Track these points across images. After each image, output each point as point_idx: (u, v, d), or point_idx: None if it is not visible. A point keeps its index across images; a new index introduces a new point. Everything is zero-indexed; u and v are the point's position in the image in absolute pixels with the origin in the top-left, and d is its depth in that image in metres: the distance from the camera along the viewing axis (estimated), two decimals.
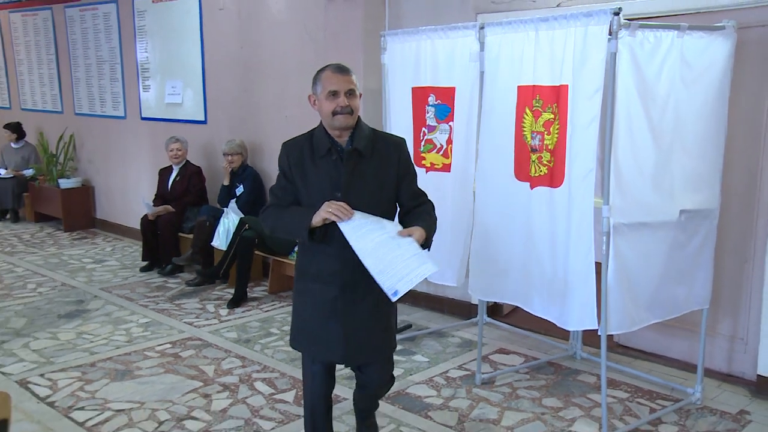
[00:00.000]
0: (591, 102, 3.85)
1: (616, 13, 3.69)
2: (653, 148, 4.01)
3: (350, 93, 3.13)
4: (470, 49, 4.51)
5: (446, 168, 4.96)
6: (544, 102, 4.09)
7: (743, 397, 4.65)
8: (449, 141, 4.87)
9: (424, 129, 4.96)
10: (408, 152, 3.38)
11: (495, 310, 6.09)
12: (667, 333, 5.12)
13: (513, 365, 5.11)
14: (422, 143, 5.05)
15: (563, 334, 5.34)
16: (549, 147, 4.09)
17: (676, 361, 5.13)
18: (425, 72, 4.88)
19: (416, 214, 3.28)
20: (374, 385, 3.55)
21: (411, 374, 4.90)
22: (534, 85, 4.13)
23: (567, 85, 3.94)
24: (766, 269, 4.61)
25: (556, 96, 4.01)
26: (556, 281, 4.17)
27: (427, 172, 5.02)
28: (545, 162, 4.13)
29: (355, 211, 3.07)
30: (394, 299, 3.00)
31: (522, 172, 4.29)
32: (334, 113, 3.11)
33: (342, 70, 3.16)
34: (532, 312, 4.40)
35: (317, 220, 3.06)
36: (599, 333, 4.01)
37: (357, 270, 3.08)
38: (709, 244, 4.42)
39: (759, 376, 4.68)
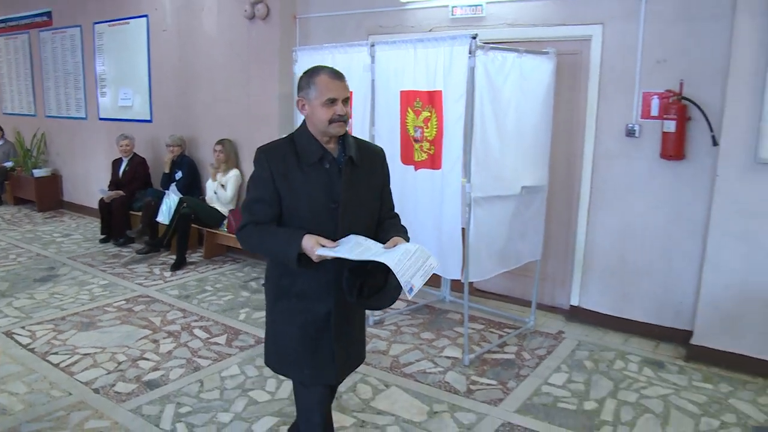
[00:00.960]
0: (457, 104, 3.81)
1: (474, 38, 3.69)
2: (499, 140, 4.00)
3: (345, 101, 2.29)
4: (363, 62, 4.36)
5: None
6: (422, 103, 4.00)
7: (561, 321, 4.83)
8: None
9: None
10: (387, 162, 2.57)
11: None
12: (511, 279, 5.17)
13: (398, 309, 5.02)
14: None
15: (436, 283, 5.31)
16: (429, 138, 4.02)
17: (517, 299, 5.22)
18: None
19: (390, 225, 2.48)
20: (332, 397, 2.66)
21: None
22: (414, 90, 4.05)
23: (440, 91, 3.88)
24: (578, 231, 4.76)
25: (432, 99, 3.95)
26: (436, 242, 4.11)
27: None
28: (426, 150, 4.06)
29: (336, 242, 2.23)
30: (410, 296, 2.12)
31: (407, 157, 4.21)
32: (331, 121, 2.25)
33: (339, 75, 2.29)
34: None
35: (311, 253, 2.17)
36: (463, 281, 4.00)
37: None
38: (541, 212, 4.49)
39: (571, 306, 4.88)
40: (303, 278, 2.33)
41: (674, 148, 4.11)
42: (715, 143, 3.99)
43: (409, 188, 4.22)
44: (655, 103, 4.23)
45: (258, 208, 2.30)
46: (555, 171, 4.68)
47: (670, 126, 4.07)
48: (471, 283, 4.14)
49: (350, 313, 2.45)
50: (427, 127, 4.00)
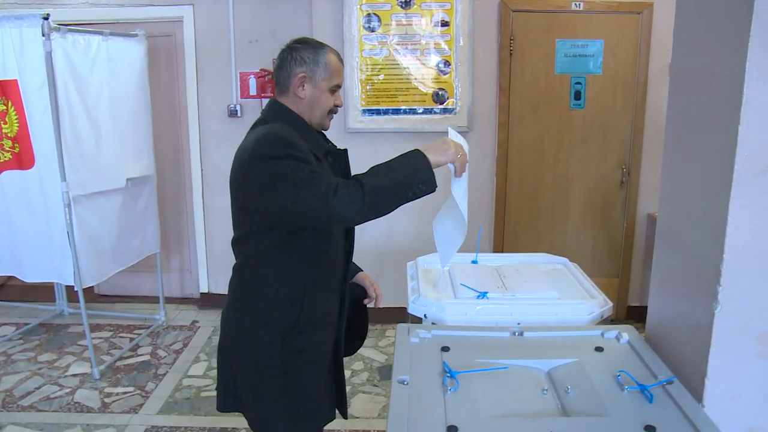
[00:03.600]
0: (40, 94, 3.70)
1: (46, 18, 3.61)
2: (92, 130, 4.01)
3: None
4: None
5: None
6: None
7: (194, 311, 5.11)
8: None
9: None
10: None
11: None
12: (136, 276, 5.24)
13: (5, 335, 4.67)
14: None
15: (50, 298, 5.05)
16: (9, 135, 3.83)
17: (146, 297, 5.31)
18: None
19: None
20: None
21: None
22: None
23: (16, 80, 3.72)
24: (195, 217, 5.03)
25: (6, 89, 3.75)
26: (47, 249, 3.93)
27: None
28: (8, 148, 3.86)
29: None
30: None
31: None
32: (330, 112, 2.02)
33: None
34: (26, 280, 4.09)
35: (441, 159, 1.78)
36: (76, 288, 3.95)
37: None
38: (153, 203, 4.63)
39: (202, 293, 5.18)
40: (323, 293, 2.00)
41: None
42: None
43: None
44: (252, 82, 4.70)
45: (324, 175, 1.75)
46: (163, 158, 4.88)
47: None
48: (91, 289, 4.08)
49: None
50: (6, 123, 3.82)
